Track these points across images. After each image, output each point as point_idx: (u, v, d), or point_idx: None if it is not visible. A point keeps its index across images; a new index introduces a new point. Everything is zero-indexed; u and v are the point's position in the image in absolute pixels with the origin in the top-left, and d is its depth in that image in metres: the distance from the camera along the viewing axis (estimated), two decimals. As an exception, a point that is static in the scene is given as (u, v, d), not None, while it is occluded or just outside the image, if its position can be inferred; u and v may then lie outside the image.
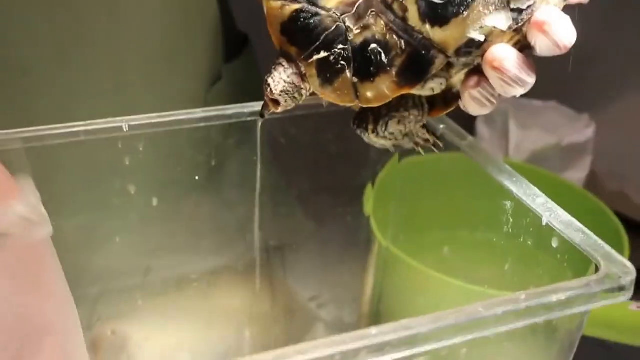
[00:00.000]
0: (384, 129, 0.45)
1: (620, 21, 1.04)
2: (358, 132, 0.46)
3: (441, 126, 0.58)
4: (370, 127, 0.45)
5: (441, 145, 0.48)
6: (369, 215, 0.72)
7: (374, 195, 0.72)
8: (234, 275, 0.69)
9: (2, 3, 0.59)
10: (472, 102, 0.44)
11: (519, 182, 0.53)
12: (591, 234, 0.48)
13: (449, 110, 0.46)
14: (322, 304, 0.71)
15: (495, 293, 0.60)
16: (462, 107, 0.45)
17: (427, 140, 0.47)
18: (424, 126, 0.47)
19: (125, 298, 0.65)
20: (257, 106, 0.60)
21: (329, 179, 0.56)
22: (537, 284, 0.60)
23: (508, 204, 0.54)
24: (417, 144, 0.47)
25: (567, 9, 0.44)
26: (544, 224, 0.50)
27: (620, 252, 0.73)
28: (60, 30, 0.61)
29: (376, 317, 0.70)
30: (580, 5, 0.44)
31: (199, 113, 0.56)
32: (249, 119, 0.56)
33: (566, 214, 0.50)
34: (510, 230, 0.55)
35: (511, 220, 0.55)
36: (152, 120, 0.55)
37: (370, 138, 0.46)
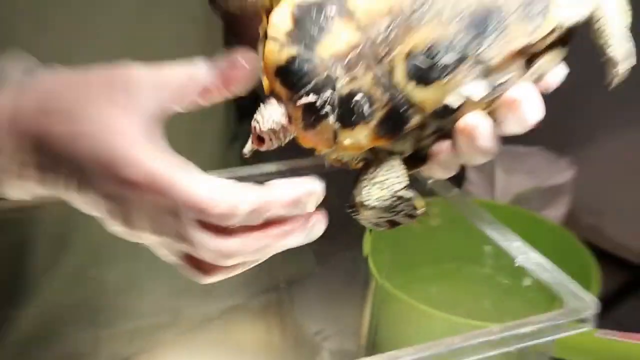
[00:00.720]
0: (368, 197, 0.44)
1: (598, 72, 1.09)
2: (354, 215, 0.45)
3: (429, 180, 0.60)
4: (358, 200, 0.44)
5: (436, 213, 0.46)
6: (367, 256, 0.75)
7: (371, 238, 0.76)
8: (249, 312, 0.70)
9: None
10: (438, 167, 0.43)
11: (498, 228, 0.56)
12: (559, 272, 0.51)
13: (415, 171, 0.45)
14: (326, 336, 0.74)
15: (476, 324, 0.63)
16: (422, 170, 0.45)
17: (415, 208, 0.45)
18: (408, 189, 0.44)
19: (157, 334, 0.66)
20: (266, 167, 0.63)
21: (332, 225, 0.59)
22: (513, 316, 0.64)
23: (489, 247, 0.57)
24: (410, 215, 0.45)
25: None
26: (518, 264, 0.53)
27: (590, 283, 0.78)
28: None
29: (373, 348, 0.72)
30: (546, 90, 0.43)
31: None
32: (260, 179, 0.57)
33: (538, 255, 0.53)
34: (490, 270, 0.58)
35: (490, 261, 0.58)
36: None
37: (364, 214, 0.45)
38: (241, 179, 0.58)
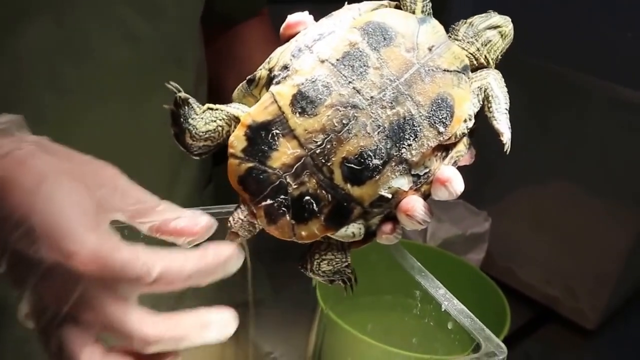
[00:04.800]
0: (317, 269, 0.47)
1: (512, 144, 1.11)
2: (302, 271, 0.48)
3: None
4: (308, 267, 0.47)
5: (355, 285, 0.49)
6: (315, 286, 0.73)
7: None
8: None
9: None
10: (386, 241, 0.45)
11: (426, 276, 0.56)
12: (477, 320, 0.51)
13: (366, 245, 0.46)
14: (276, 357, 0.72)
15: (406, 354, 0.63)
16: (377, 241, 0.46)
17: (349, 279, 0.48)
18: (349, 266, 0.47)
19: None
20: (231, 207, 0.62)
21: (288, 258, 0.57)
22: (436, 353, 0.63)
23: (417, 292, 0.57)
24: (344, 281, 0.48)
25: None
26: (442, 310, 0.53)
27: (503, 319, 0.78)
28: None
29: (316, 370, 0.71)
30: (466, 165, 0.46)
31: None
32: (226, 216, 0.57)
33: (460, 303, 0.53)
34: (419, 312, 0.58)
35: (419, 305, 0.58)
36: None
37: (310, 275, 0.48)
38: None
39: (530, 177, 1.13)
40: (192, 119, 0.44)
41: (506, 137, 0.43)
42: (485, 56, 0.46)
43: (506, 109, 0.44)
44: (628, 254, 1.07)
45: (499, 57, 0.47)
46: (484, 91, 0.44)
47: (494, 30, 0.47)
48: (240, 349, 0.71)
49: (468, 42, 0.46)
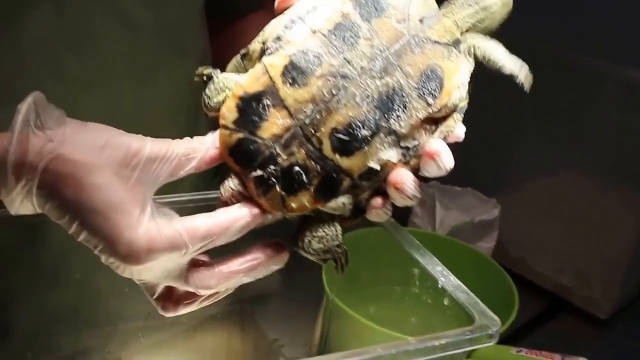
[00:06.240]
0: (308, 246, 0.46)
1: (521, 130, 1.08)
2: (294, 249, 0.47)
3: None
4: (300, 245, 0.46)
5: (346, 265, 0.47)
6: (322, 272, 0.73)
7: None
8: (214, 320, 0.68)
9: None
10: (376, 216, 0.44)
11: (424, 253, 0.56)
12: (472, 294, 0.51)
13: (357, 222, 0.46)
14: (283, 344, 0.72)
15: (406, 337, 0.61)
16: (367, 217, 0.46)
17: (340, 259, 0.47)
18: (340, 246, 0.46)
19: (130, 335, 0.65)
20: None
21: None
22: (433, 331, 0.62)
23: (416, 270, 0.57)
24: (335, 260, 0.47)
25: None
26: (439, 286, 0.52)
27: (512, 306, 0.77)
28: None
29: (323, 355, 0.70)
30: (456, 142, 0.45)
31: (186, 196, 0.59)
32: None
33: (456, 279, 0.53)
34: (417, 290, 0.58)
35: (418, 283, 0.58)
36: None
37: (302, 253, 0.47)
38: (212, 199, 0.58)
39: (540, 164, 1.10)
40: (208, 89, 0.45)
41: (522, 75, 0.43)
42: (482, 20, 0.46)
43: (505, 52, 0.44)
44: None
45: (496, 26, 0.47)
46: (473, 48, 0.45)
47: None
48: (246, 337, 0.71)
49: (468, 5, 0.46)
